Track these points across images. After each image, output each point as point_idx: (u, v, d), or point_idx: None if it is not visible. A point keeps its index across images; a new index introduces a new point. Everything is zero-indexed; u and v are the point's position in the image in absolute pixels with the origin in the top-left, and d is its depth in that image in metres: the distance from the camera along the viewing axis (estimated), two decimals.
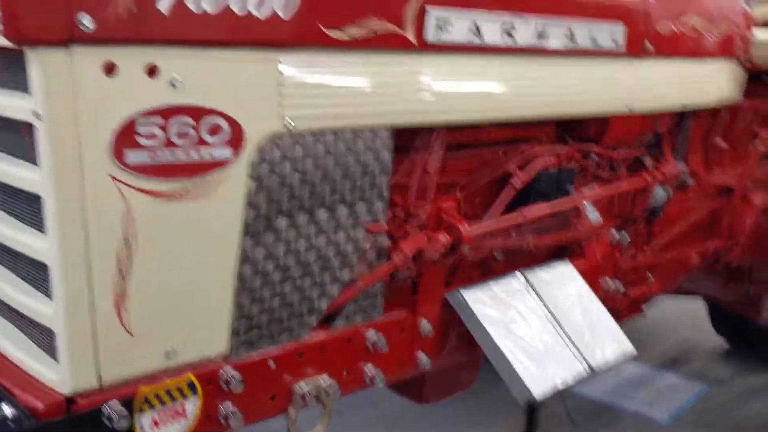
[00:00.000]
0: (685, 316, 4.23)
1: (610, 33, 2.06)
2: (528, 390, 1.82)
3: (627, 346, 2.16)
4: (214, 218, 1.38)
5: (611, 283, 2.39)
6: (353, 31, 1.50)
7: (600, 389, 3.52)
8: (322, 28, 1.45)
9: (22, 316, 1.38)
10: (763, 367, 3.78)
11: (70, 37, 1.14)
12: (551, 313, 2.04)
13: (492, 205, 1.99)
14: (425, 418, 3.15)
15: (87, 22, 1.14)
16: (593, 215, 2.32)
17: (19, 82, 1.20)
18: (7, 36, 1.12)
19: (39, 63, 1.14)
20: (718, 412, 3.40)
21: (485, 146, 1.99)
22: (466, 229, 1.82)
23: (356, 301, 1.70)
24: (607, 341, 2.12)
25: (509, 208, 2.01)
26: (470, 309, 1.88)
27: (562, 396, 1.99)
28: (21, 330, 1.42)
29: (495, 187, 2.03)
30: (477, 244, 1.90)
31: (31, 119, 1.18)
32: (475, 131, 1.92)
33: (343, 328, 1.69)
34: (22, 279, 1.38)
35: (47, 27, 1.12)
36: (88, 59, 1.17)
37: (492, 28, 1.75)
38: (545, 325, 2.01)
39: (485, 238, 1.94)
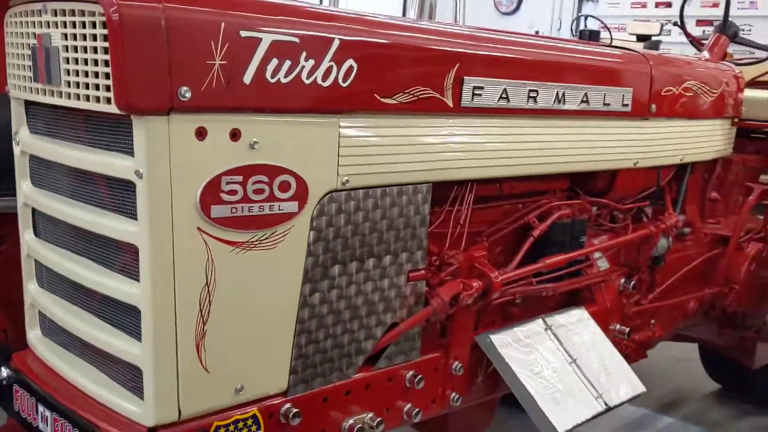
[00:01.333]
0: (679, 361, 4.37)
1: (621, 97, 2.26)
2: (553, 426, 1.95)
3: (638, 385, 2.31)
4: (280, 266, 1.53)
5: (619, 328, 2.54)
6: (401, 98, 1.67)
7: None
8: (376, 95, 1.62)
9: (104, 355, 1.50)
10: (757, 411, 3.92)
11: (170, 107, 1.30)
12: (569, 355, 2.19)
13: (512, 253, 2.15)
14: None
15: (186, 93, 1.30)
16: (603, 263, 2.49)
17: (123, 145, 1.35)
18: (117, 105, 1.28)
19: (143, 129, 1.30)
20: None
21: (508, 199, 2.16)
22: (496, 276, 1.98)
23: (397, 344, 1.84)
24: (621, 381, 2.26)
25: (527, 256, 2.17)
26: (498, 351, 2.02)
27: None
28: (100, 369, 1.54)
29: (515, 237, 2.20)
30: (504, 290, 2.05)
31: (132, 178, 1.33)
32: (499, 185, 2.09)
33: (385, 368, 1.82)
34: (109, 323, 1.51)
35: (153, 98, 1.28)
36: (183, 125, 1.33)
37: (519, 93, 1.93)
38: (564, 366, 2.15)
39: (511, 284, 2.09)
